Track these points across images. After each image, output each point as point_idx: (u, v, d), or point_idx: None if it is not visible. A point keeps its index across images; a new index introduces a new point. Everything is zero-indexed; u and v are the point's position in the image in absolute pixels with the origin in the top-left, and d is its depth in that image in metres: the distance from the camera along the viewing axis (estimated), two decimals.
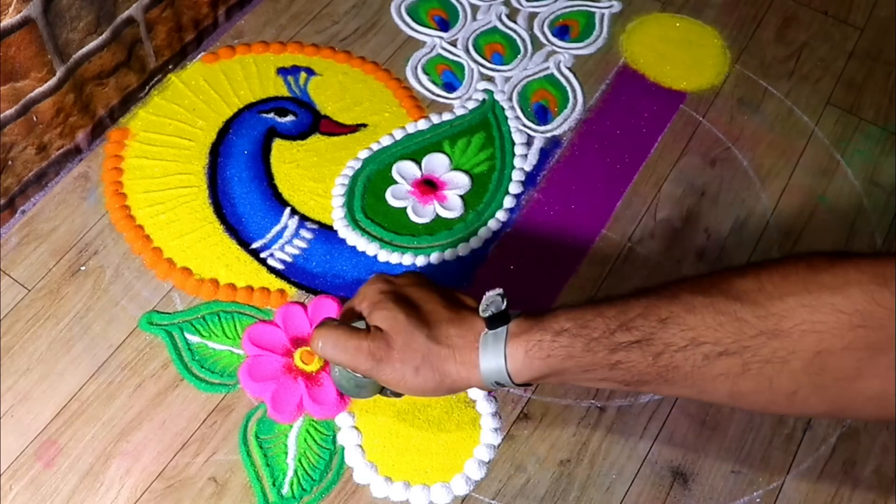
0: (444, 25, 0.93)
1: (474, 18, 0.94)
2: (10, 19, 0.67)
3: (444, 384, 0.56)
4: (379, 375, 0.57)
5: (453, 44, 0.92)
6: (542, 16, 0.95)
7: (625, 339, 0.50)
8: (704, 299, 0.48)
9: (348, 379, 0.61)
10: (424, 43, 0.92)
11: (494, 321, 0.55)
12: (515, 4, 0.95)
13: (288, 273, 0.75)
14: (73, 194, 0.79)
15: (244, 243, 0.77)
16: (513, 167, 0.82)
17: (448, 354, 0.55)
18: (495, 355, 0.54)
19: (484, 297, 0.55)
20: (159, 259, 0.75)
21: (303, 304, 0.73)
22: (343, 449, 0.67)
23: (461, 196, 0.80)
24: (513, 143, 0.84)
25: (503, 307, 0.54)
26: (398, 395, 0.63)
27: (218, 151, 0.82)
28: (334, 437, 0.67)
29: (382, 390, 0.62)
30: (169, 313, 0.73)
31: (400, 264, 0.76)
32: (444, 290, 0.60)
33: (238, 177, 0.81)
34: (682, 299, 0.49)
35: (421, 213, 0.79)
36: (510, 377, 0.54)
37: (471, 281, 0.76)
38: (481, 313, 0.55)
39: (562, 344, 0.52)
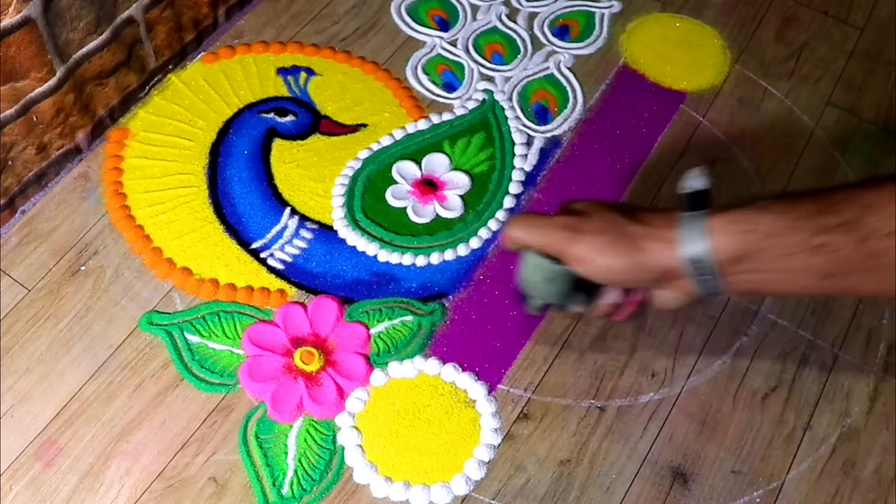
0: (444, 25, 0.93)
1: (474, 18, 0.94)
2: (10, 19, 0.67)
3: (637, 262, 0.52)
4: (571, 250, 0.53)
5: (453, 44, 0.92)
6: (542, 16, 0.95)
7: (829, 220, 0.47)
8: None
9: (539, 268, 0.56)
10: (424, 43, 0.92)
11: (692, 201, 0.51)
12: (515, 4, 0.95)
13: (288, 273, 0.75)
14: (73, 194, 0.79)
15: (244, 243, 0.77)
16: (513, 167, 0.82)
17: (644, 232, 0.52)
18: (695, 229, 0.50)
19: (687, 174, 0.52)
20: (159, 259, 0.75)
21: (303, 304, 0.73)
22: (343, 449, 0.67)
23: (461, 196, 0.80)
24: (513, 143, 0.84)
25: (708, 185, 0.51)
26: (586, 302, 0.58)
27: (218, 151, 0.82)
28: (334, 437, 0.67)
29: (571, 293, 0.57)
30: (169, 313, 0.73)
31: (400, 264, 0.76)
32: (633, 205, 0.56)
33: (238, 177, 0.81)
34: (885, 187, 0.46)
35: (421, 213, 0.79)
36: (710, 253, 0.50)
37: (471, 281, 0.76)
38: (681, 189, 0.52)
39: (766, 219, 0.49)
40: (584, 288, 0.57)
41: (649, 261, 0.52)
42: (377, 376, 0.70)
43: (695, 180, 0.52)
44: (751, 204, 0.50)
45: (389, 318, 0.73)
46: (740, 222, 0.49)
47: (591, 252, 0.52)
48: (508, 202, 0.80)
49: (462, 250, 0.77)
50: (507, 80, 0.89)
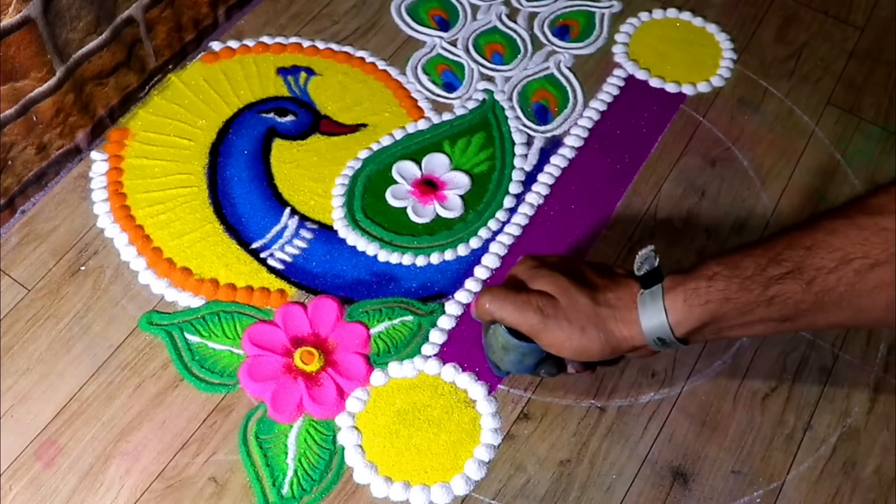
0: (444, 25, 0.93)
1: (474, 18, 0.94)
2: (10, 19, 0.67)
3: (608, 343, 0.56)
4: (546, 334, 0.56)
5: (453, 44, 0.92)
6: (542, 16, 0.95)
7: (776, 272, 0.50)
8: (844, 220, 0.49)
9: (510, 344, 0.58)
10: (424, 43, 0.92)
11: (648, 279, 0.55)
12: (515, 4, 0.95)
13: (288, 273, 0.75)
14: (73, 194, 0.79)
15: (244, 243, 0.77)
16: (513, 167, 0.82)
17: (609, 314, 0.56)
18: (655, 311, 0.54)
19: (637, 255, 0.56)
20: (159, 259, 0.75)
21: (303, 304, 0.73)
22: (343, 449, 0.67)
23: (461, 196, 0.80)
24: (513, 143, 0.84)
25: (656, 264, 0.55)
26: (553, 372, 0.61)
27: (218, 151, 0.82)
28: (334, 437, 0.67)
29: (537, 366, 0.60)
30: (169, 313, 0.73)
31: (400, 264, 0.76)
32: (592, 263, 0.60)
33: (238, 177, 0.81)
34: (822, 226, 0.50)
35: (421, 213, 0.79)
36: (671, 330, 0.54)
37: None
38: (636, 271, 0.56)
39: (717, 287, 0.52)
40: (551, 358, 0.60)
41: (618, 342, 0.56)
42: (377, 376, 0.70)
43: (644, 262, 0.55)
44: (700, 273, 0.53)
45: (389, 318, 0.73)
46: (694, 297, 0.52)
47: (564, 339, 0.56)
48: (508, 202, 0.80)
49: (462, 250, 0.77)
50: (508, 79, 0.89)
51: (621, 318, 0.55)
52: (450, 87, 0.88)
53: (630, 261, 0.77)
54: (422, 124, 0.85)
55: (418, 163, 0.82)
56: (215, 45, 0.89)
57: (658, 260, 0.55)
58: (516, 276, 0.59)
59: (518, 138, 0.84)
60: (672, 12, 0.95)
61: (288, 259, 0.76)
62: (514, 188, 0.81)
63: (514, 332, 0.58)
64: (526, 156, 0.83)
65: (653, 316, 0.54)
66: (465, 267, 0.76)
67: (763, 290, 0.51)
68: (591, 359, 0.57)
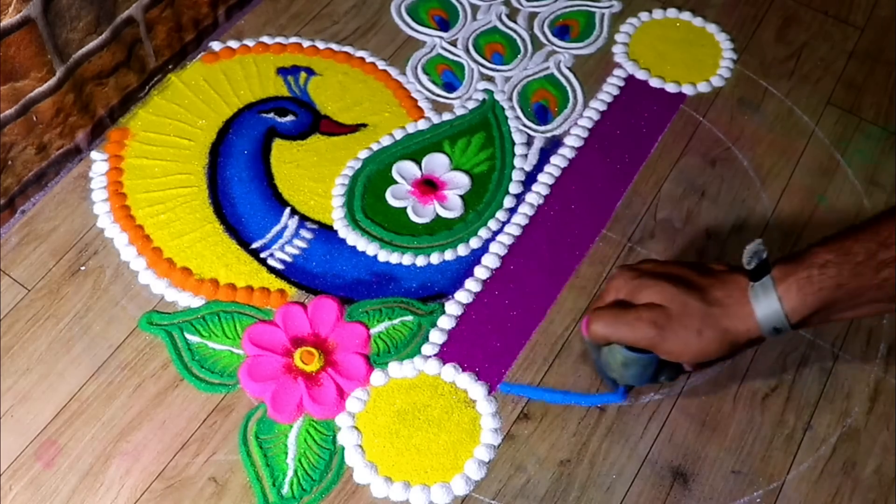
0: (444, 25, 0.93)
1: (474, 18, 0.94)
2: (9, 19, 0.67)
3: (725, 342, 0.56)
4: (663, 344, 0.56)
5: (453, 44, 0.92)
6: (542, 16, 0.95)
7: (886, 255, 0.52)
8: None
9: (631, 361, 0.59)
10: (424, 43, 0.92)
11: (756, 272, 0.56)
12: (515, 4, 0.95)
13: (288, 273, 0.75)
14: (73, 194, 0.79)
15: (244, 243, 0.77)
16: (513, 167, 0.82)
17: (722, 313, 0.56)
18: (769, 302, 0.55)
19: (745, 250, 0.56)
20: (159, 259, 0.75)
21: (303, 304, 0.73)
22: (343, 449, 0.67)
23: (461, 196, 0.80)
24: (513, 143, 0.84)
25: (765, 257, 0.55)
26: (672, 377, 0.62)
27: (218, 151, 0.82)
28: (334, 437, 0.67)
29: (657, 374, 0.61)
30: (169, 313, 0.73)
31: (400, 264, 0.76)
32: (686, 262, 0.61)
33: (238, 177, 0.81)
34: None
35: (421, 213, 0.79)
36: (787, 319, 0.55)
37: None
38: (746, 265, 0.56)
39: (830, 275, 0.53)
40: (669, 363, 0.60)
41: (735, 338, 0.56)
42: (377, 376, 0.70)
43: (754, 257, 0.56)
44: (810, 261, 0.54)
45: (389, 318, 0.73)
46: (808, 286, 0.54)
47: (684, 345, 0.56)
48: (508, 202, 0.80)
49: (462, 250, 0.77)
50: (508, 79, 0.89)
51: (735, 314, 0.56)
52: (450, 87, 0.88)
53: (630, 260, 0.77)
54: (422, 124, 0.85)
55: (418, 163, 0.82)
56: (215, 45, 0.89)
57: (767, 253, 0.55)
58: (618, 292, 0.59)
59: (518, 138, 0.84)
60: (672, 12, 0.95)
61: (288, 259, 0.76)
62: (514, 188, 0.81)
63: (631, 347, 0.58)
64: (526, 156, 0.83)
65: (767, 308, 0.55)
66: (465, 267, 0.76)
67: (874, 274, 0.52)
68: (710, 359, 0.57)
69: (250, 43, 0.90)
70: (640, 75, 0.90)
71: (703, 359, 0.57)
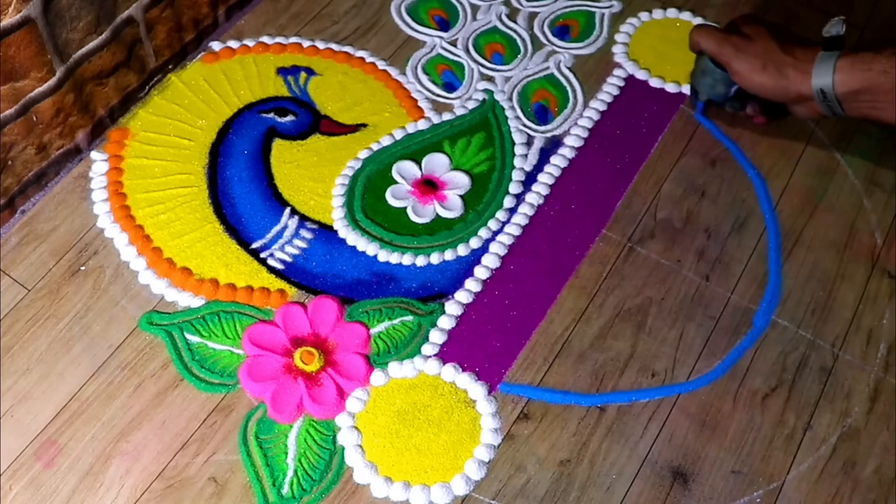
0: (444, 25, 0.93)
1: (474, 18, 0.94)
2: (9, 19, 0.67)
3: (780, 85, 0.71)
4: (734, 63, 0.73)
5: (453, 44, 0.92)
6: (542, 16, 0.95)
7: None
8: None
9: (708, 71, 0.77)
10: (424, 43, 0.92)
11: (831, 45, 0.69)
12: (515, 4, 0.95)
13: (288, 273, 0.75)
14: (73, 194, 0.79)
15: (244, 243, 0.77)
16: (513, 167, 0.82)
17: (791, 62, 0.71)
18: (826, 68, 0.68)
19: (829, 21, 0.70)
20: (159, 259, 0.75)
21: (303, 304, 0.73)
22: (343, 449, 0.67)
23: (461, 196, 0.80)
24: (513, 143, 0.84)
25: (842, 32, 0.68)
26: (737, 107, 0.79)
27: (218, 151, 0.82)
28: (334, 437, 0.67)
29: (726, 97, 0.78)
30: (169, 313, 0.73)
31: (400, 264, 0.76)
32: (786, 29, 0.74)
33: (238, 177, 0.81)
34: None
35: (421, 213, 0.79)
36: (833, 85, 0.68)
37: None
38: (824, 33, 0.69)
39: (881, 60, 0.65)
40: (738, 95, 0.77)
41: (789, 85, 0.71)
42: (377, 376, 0.70)
43: (833, 27, 0.69)
44: (873, 48, 0.66)
45: (389, 318, 0.73)
46: (860, 62, 0.66)
47: (748, 70, 0.73)
48: (508, 202, 0.80)
49: (462, 250, 0.77)
50: (508, 79, 0.89)
51: (799, 67, 0.70)
52: (450, 87, 0.88)
53: (629, 262, 0.77)
54: (422, 124, 0.85)
55: (418, 163, 0.82)
56: (215, 45, 0.89)
57: (844, 28, 0.69)
58: (734, 21, 0.76)
59: (518, 138, 0.84)
60: (672, 12, 0.95)
61: (288, 259, 0.76)
62: (514, 188, 0.81)
63: (715, 62, 0.76)
64: (526, 156, 0.83)
65: (823, 70, 0.68)
66: (465, 267, 0.76)
67: None
68: (765, 93, 0.73)
69: (250, 43, 0.90)
70: (640, 75, 0.90)
71: (759, 90, 0.73)
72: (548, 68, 0.90)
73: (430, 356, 0.71)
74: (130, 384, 0.69)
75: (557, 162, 0.83)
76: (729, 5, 0.96)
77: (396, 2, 0.95)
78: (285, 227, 0.78)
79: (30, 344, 0.70)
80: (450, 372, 0.70)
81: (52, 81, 0.74)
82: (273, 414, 0.68)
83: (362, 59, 0.90)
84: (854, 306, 0.75)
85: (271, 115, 0.85)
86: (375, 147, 0.83)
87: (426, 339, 0.72)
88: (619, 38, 0.93)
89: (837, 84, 0.67)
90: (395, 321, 0.73)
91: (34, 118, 0.75)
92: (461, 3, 0.95)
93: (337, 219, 0.79)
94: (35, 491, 0.64)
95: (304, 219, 0.79)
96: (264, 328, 0.72)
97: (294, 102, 0.86)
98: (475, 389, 0.70)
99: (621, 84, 0.89)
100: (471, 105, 0.87)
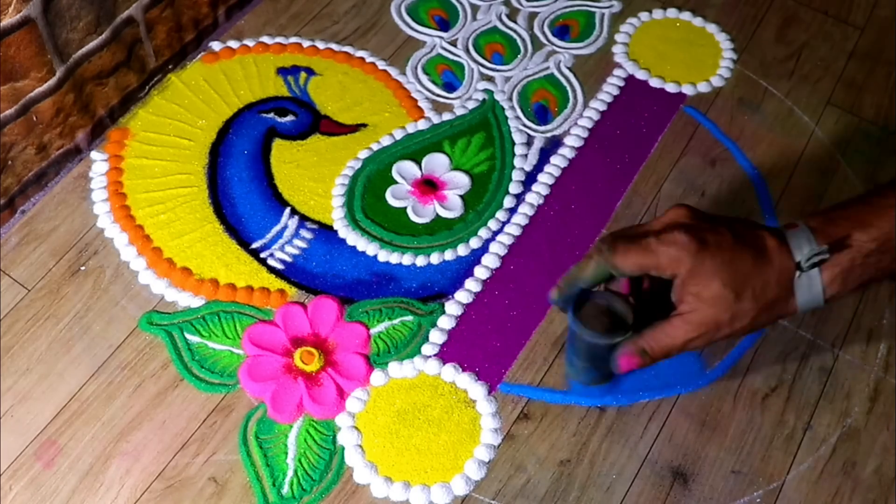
0: (444, 25, 0.93)
1: (474, 18, 0.94)
2: (9, 19, 0.67)
3: (773, 316, 0.56)
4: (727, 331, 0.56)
5: (453, 44, 0.92)
6: (542, 16, 0.95)
7: None
8: None
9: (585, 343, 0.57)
10: (424, 43, 0.92)
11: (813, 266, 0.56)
12: (515, 4, 0.95)
13: (288, 273, 0.75)
14: (73, 194, 0.79)
15: (244, 243, 0.77)
16: (513, 167, 0.82)
17: (771, 300, 0.55)
18: (813, 294, 0.56)
19: (807, 251, 0.55)
20: (159, 259, 0.75)
21: (303, 304, 0.73)
22: (343, 449, 0.67)
23: (461, 196, 0.80)
24: (513, 143, 0.84)
25: (827, 258, 0.55)
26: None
27: (218, 151, 0.82)
28: (334, 437, 0.67)
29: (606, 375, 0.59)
30: (169, 313, 0.73)
31: (400, 264, 0.76)
32: (740, 221, 0.58)
33: (238, 177, 0.81)
34: None
35: (421, 213, 0.79)
36: (825, 300, 0.56)
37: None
38: (804, 266, 0.55)
39: (871, 262, 0.56)
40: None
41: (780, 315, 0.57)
42: (377, 376, 0.70)
43: (815, 257, 0.55)
44: (857, 251, 0.55)
45: (389, 318, 0.73)
46: (851, 276, 0.55)
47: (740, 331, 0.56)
48: (508, 202, 0.80)
49: (462, 250, 0.77)
50: (508, 79, 0.89)
51: (779, 297, 0.55)
52: (450, 87, 0.88)
53: None
54: (422, 124, 0.85)
55: (418, 163, 0.82)
56: (215, 45, 0.89)
57: (827, 255, 0.55)
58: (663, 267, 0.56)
59: (518, 138, 0.84)
60: (672, 12, 0.95)
61: (288, 259, 0.76)
62: (514, 188, 0.81)
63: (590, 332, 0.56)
64: (526, 156, 0.83)
65: (810, 296, 0.56)
66: (465, 267, 0.76)
67: None
68: (755, 328, 0.56)
69: (250, 43, 0.90)
70: (640, 75, 0.90)
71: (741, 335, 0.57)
72: (548, 68, 0.90)
73: (430, 356, 0.71)
74: (130, 384, 0.69)
75: (557, 162, 0.83)
76: (729, 5, 0.96)
77: (396, 2, 0.95)
78: (285, 227, 0.78)
79: (30, 344, 0.70)
80: (450, 372, 0.70)
81: (52, 81, 0.74)
82: (273, 414, 0.68)
83: (362, 59, 0.90)
84: (854, 306, 0.75)
85: (271, 115, 0.85)
86: (375, 147, 0.83)
87: (426, 339, 0.72)
88: (619, 38, 0.93)
89: (829, 299, 0.56)
90: (395, 321, 0.73)
91: (34, 118, 0.75)
92: (461, 3, 0.95)
93: (337, 219, 0.78)
94: (35, 491, 0.64)
95: (304, 219, 0.79)
96: (264, 328, 0.72)
97: (294, 102, 0.86)
98: (475, 389, 0.70)
99: (621, 84, 0.89)
100: (471, 105, 0.87)
